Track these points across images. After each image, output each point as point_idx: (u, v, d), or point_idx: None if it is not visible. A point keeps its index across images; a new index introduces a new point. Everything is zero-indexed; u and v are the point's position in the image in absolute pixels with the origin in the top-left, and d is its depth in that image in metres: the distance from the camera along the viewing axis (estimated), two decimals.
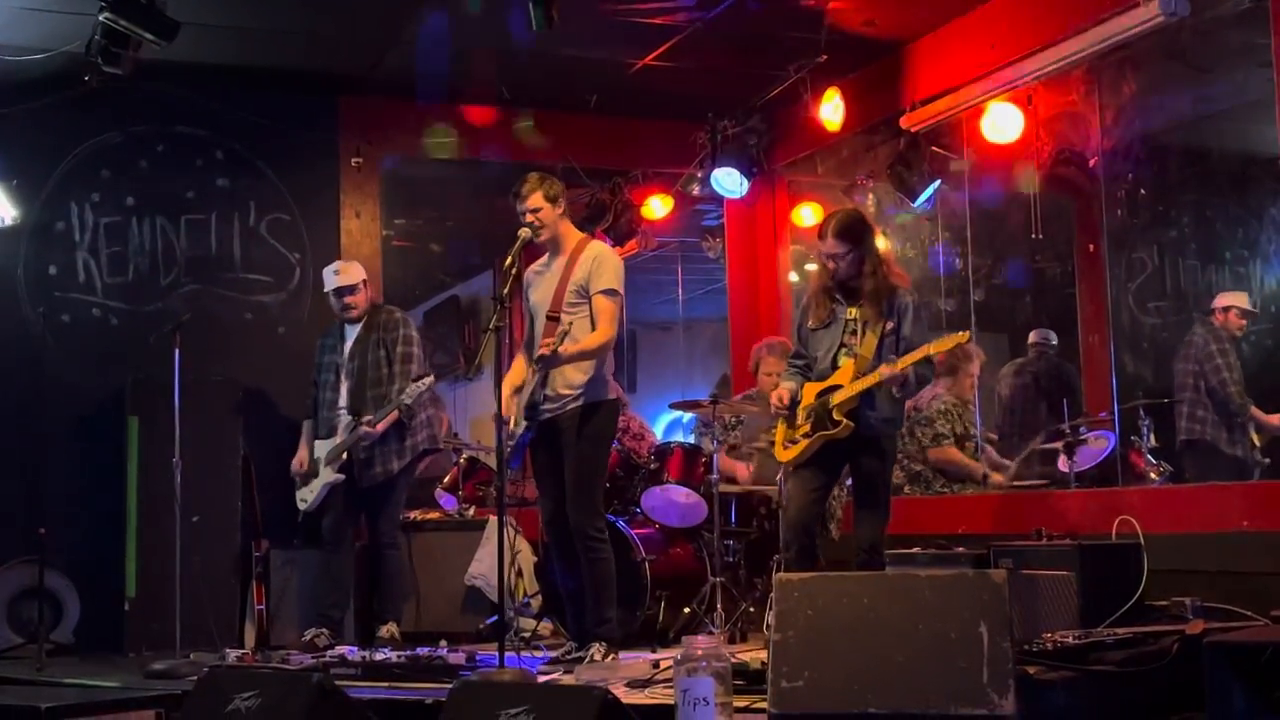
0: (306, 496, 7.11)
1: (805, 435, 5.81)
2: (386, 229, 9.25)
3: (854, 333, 5.79)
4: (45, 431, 7.20)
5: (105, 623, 7.37)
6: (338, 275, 7.13)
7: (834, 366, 5.81)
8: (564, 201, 6.09)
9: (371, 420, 6.81)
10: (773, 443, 6.28)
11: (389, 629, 6.94)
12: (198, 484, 7.18)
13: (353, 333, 7.14)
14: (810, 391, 5.86)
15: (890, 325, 5.72)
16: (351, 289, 7.10)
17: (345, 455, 6.94)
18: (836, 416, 5.70)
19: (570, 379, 5.90)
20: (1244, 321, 7.69)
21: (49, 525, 6.78)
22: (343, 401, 7.06)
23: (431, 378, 6.88)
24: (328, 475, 6.98)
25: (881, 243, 9.01)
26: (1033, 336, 8.73)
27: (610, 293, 5.94)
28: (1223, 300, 7.81)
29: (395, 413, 6.88)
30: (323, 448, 7.08)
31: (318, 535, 7.23)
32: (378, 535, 7.05)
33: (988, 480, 7.55)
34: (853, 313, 5.81)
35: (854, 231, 5.83)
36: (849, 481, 6.06)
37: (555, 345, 5.70)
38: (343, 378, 7.08)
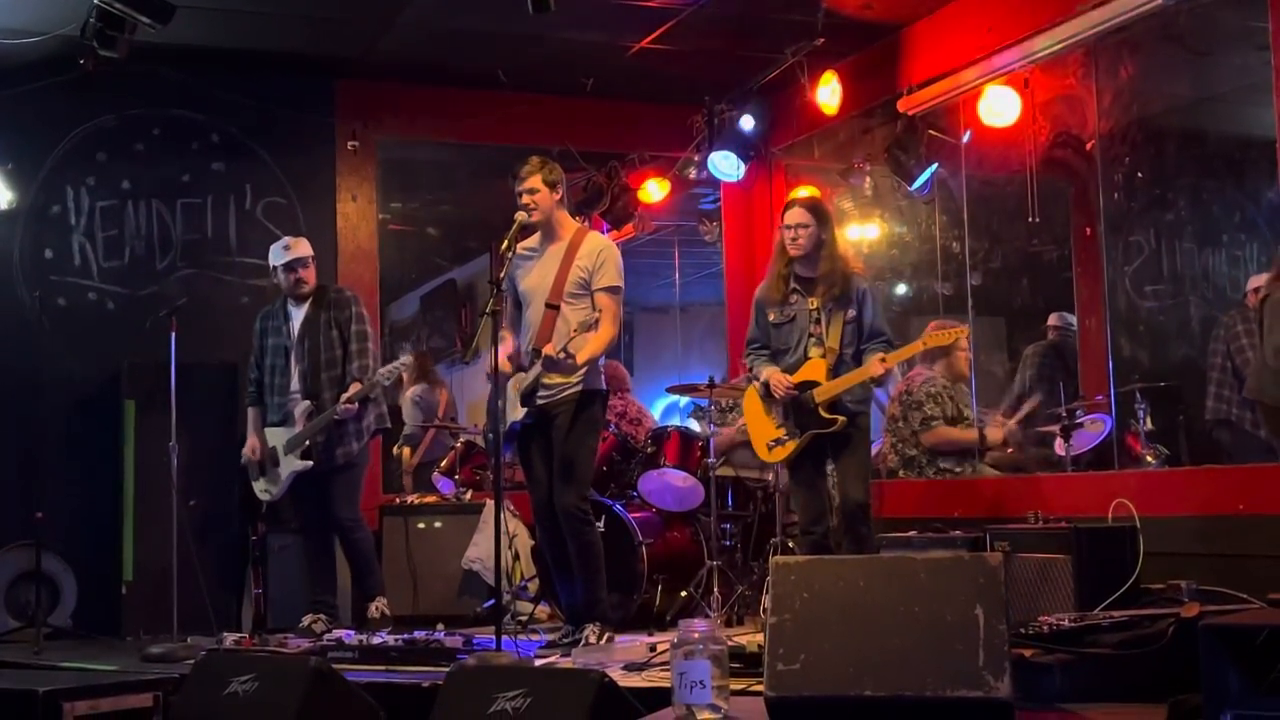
0: (270, 488, 6.94)
1: (792, 435, 5.95)
2: (383, 212, 9.23)
3: (818, 322, 5.96)
4: (42, 415, 7.20)
5: (102, 606, 7.39)
6: (288, 250, 6.91)
7: (806, 358, 5.97)
8: (562, 189, 6.07)
9: (351, 397, 6.64)
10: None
11: (378, 605, 6.88)
12: (194, 468, 7.20)
13: (298, 313, 6.93)
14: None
15: (851, 314, 5.94)
16: (304, 262, 6.90)
17: (308, 441, 6.80)
18: (825, 415, 5.86)
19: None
20: None
21: (46, 509, 6.79)
22: (294, 385, 6.87)
23: (410, 357, 6.79)
24: (293, 464, 6.78)
25: (876, 230, 9.09)
26: (1052, 319, 8.68)
27: (613, 290, 5.95)
28: (1254, 282, 7.80)
29: (364, 395, 6.73)
30: (277, 435, 6.88)
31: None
32: (339, 520, 6.86)
33: (985, 444, 7.52)
34: (813, 303, 5.98)
35: (820, 211, 6.09)
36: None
37: (565, 345, 5.68)
38: (292, 360, 6.89)
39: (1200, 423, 7.67)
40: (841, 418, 5.85)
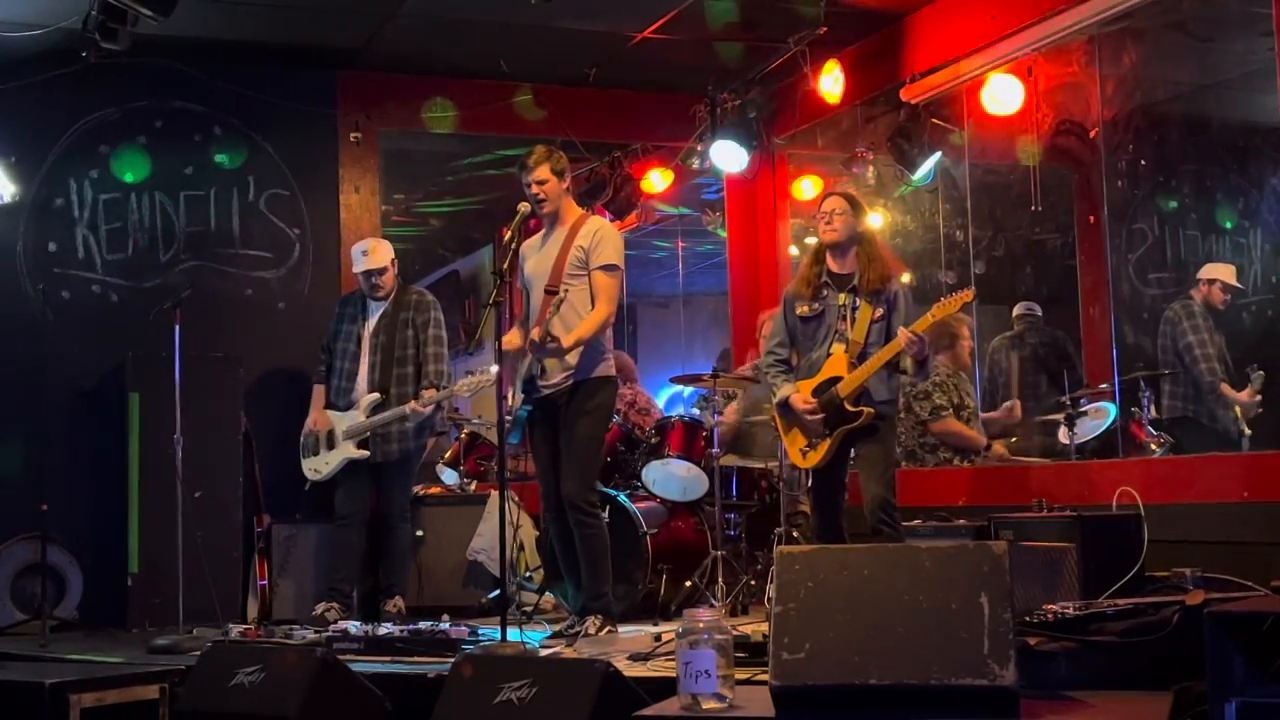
0: (320, 468, 7.07)
1: (822, 436, 5.80)
2: (385, 204, 9.22)
3: (844, 318, 5.82)
4: (47, 408, 7.20)
5: (108, 598, 7.39)
6: (366, 257, 7.06)
7: (828, 355, 5.82)
8: (569, 177, 6.07)
9: (424, 401, 6.79)
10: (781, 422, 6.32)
11: (395, 603, 6.95)
12: (199, 459, 7.19)
13: (377, 308, 7.10)
14: (805, 389, 5.86)
15: (880, 312, 5.77)
16: (381, 271, 7.05)
17: (368, 433, 6.92)
18: (850, 408, 5.71)
19: (566, 358, 5.89)
20: (1227, 296, 7.61)
21: (51, 501, 6.77)
22: (362, 376, 7.02)
23: (496, 369, 6.75)
24: (349, 450, 6.94)
25: (881, 218, 9.08)
26: (1017, 309, 8.67)
27: (610, 268, 5.92)
28: (1208, 272, 7.70)
29: (443, 399, 6.92)
30: (339, 420, 7.03)
31: (318, 509, 7.24)
32: (390, 509, 7.04)
33: (990, 450, 7.54)
34: (843, 298, 5.83)
35: (856, 201, 5.98)
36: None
37: (547, 328, 5.68)
38: (364, 352, 7.05)
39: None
40: (868, 409, 5.68)
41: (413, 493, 7.39)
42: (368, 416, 6.93)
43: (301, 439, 7.19)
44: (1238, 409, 7.33)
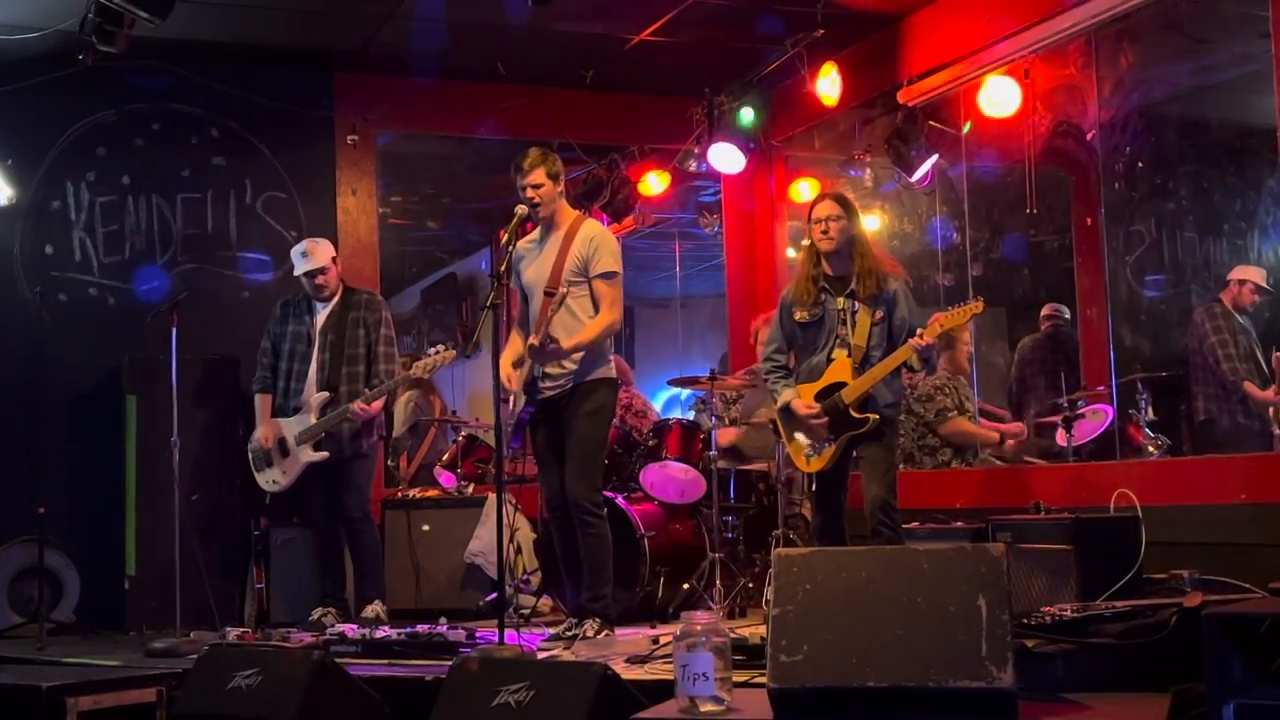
0: (278, 479, 6.93)
1: (826, 441, 5.80)
2: (383, 206, 9.22)
3: (844, 323, 5.81)
4: (44, 411, 7.21)
5: (106, 601, 7.39)
6: (306, 258, 6.96)
7: (830, 360, 5.82)
8: (563, 180, 6.07)
9: (368, 397, 6.72)
10: (783, 426, 6.31)
11: (374, 608, 6.85)
12: (197, 462, 7.20)
13: (324, 307, 7.00)
14: (806, 393, 5.85)
15: (880, 314, 5.77)
16: (322, 270, 6.96)
17: (323, 434, 6.81)
18: (856, 415, 5.70)
19: (566, 361, 5.89)
20: (1257, 297, 7.65)
21: (49, 504, 6.78)
22: (312, 375, 6.90)
23: (449, 345, 6.75)
24: (307, 454, 6.81)
25: (876, 221, 9.08)
26: (1045, 310, 8.70)
27: (610, 275, 5.92)
28: (1239, 274, 7.74)
29: (385, 393, 6.84)
30: (289, 425, 6.90)
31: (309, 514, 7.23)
32: (348, 512, 6.90)
33: (1004, 444, 7.53)
34: (841, 302, 5.81)
35: (849, 204, 5.92)
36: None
37: (548, 329, 5.69)
38: (314, 351, 6.93)
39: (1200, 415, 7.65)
40: (874, 415, 5.67)
41: (370, 494, 7.23)
42: (319, 417, 6.81)
43: (250, 452, 7.05)
44: (1271, 410, 7.34)
